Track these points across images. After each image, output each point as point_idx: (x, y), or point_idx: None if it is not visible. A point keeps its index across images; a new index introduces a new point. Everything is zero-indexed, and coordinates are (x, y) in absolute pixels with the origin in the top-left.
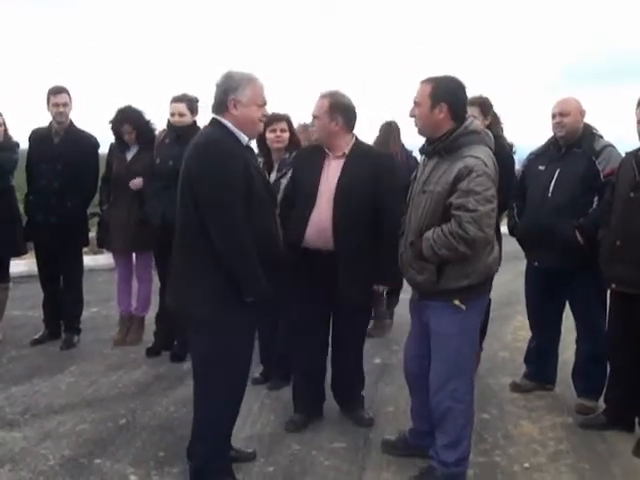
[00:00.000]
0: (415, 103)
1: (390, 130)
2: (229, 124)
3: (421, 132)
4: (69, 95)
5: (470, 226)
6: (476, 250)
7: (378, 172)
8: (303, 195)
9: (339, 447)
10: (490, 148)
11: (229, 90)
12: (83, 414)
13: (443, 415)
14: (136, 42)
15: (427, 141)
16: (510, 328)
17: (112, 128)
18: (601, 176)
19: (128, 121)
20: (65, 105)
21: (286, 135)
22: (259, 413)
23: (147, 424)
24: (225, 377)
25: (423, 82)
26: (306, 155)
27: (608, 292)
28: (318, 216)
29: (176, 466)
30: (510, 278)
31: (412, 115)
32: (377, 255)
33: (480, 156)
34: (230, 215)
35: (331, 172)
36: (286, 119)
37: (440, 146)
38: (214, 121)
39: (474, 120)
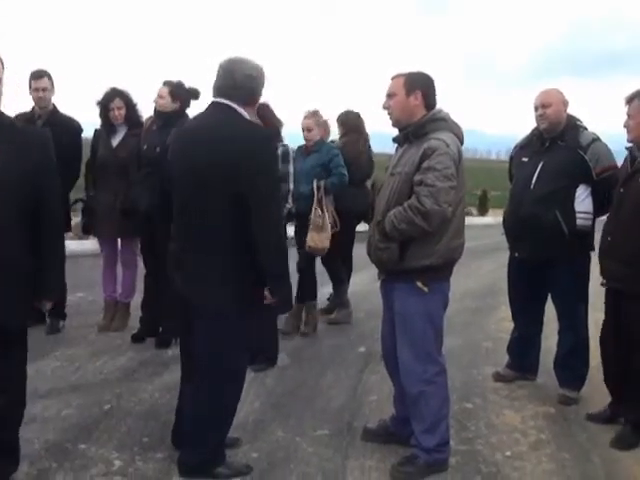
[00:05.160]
0: (389, 95)
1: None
2: (247, 115)
3: (396, 121)
4: (50, 79)
5: (427, 199)
6: (433, 224)
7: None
8: None
9: (323, 434)
10: (456, 134)
11: (261, 86)
12: (68, 399)
13: (416, 399)
14: (124, 29)
15: (399, 130)
16: (494, 319)
17: (101, 106)
18: (593, 174)
19: (120, 95)
20: (45, 90)
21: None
22: (244, 400)
23: (132, 410)
24: (240, 363)
25: (395, 77)
26: None
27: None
28: None
29: (160, 452)
30: (493, 269)
31: (386, 107)
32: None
33: (443, 138)
34: (279, 213)
35: None
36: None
37: (409, 130)
38: (232, 110)
39: (442, 110)
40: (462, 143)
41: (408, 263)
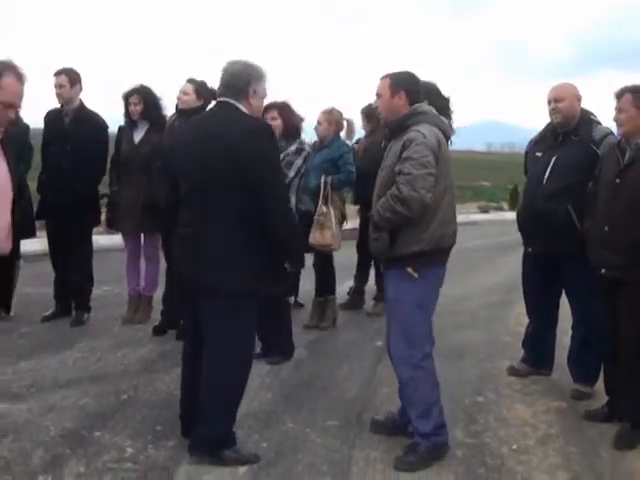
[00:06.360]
0: (377, 95)
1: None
2: (245, 110)
3: (385, 119)
4: (69, 77)
5: (404, 187)
6: (413, 209)
7: None
8: None
9: (332, 425)
10: (438, 127)
11: (252, 80)
12: (87, 389)
13: (406, 384)
14: (152, 29)
15: (387, 128)
16: (515, 313)
17: (124, 100)
18: None
19: (137, 92)
20: (62, 87)
21: (277, 123)
22: (258, 391)
23: (148, 400)
24: (248, 345)
25: (382, 77)
26: None
27: None
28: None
29: (172, 440)
30: (517, 264)
31: (375, 106)
32: None
33: (421, 130)
34: (287, 195)
35: None
36: (277, 107)
37: (392, 126)
38: (232, 105)
39: (424, 104)
40: (448, 136)
41: (399, 250)
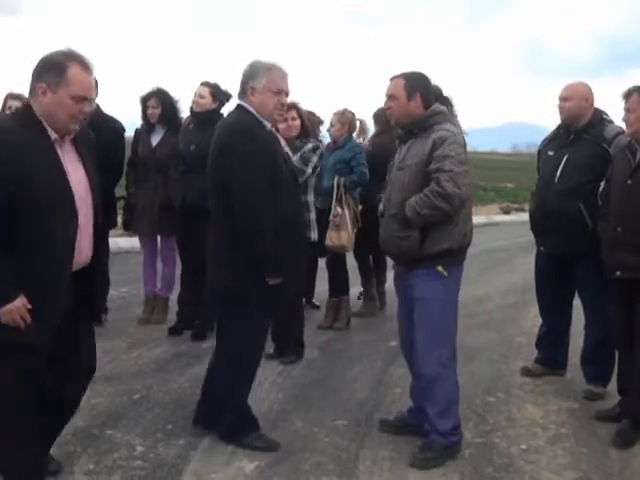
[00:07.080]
0: (390, 97)
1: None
2: (251, 109)
3: (397, 122)
4: None
5: (447, 184)
6: (454, 205)
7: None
8: (47, 202)
9: (341, 424)
10: (454, 125)
11: (248, 77)
12: (100, 388)
13: (432, 381)
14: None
15: (402, 129)
16: (531, 314)
17: (141, 104)
18: None
19: (156, 95)
20: None
21: (297, 123)
22: (269, 390)
23: (161, 399)
24: (253, 347)
25: (394, 78)
26: (21, 140)
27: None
28: (81, 232)
29: (182, 438)
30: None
31: (387, 108)
32: None
33: (449, 128)
34: (256, 196)
35: (71, 165)
36: (294, 107)
37: (414, 125)
38: (238, 106)
39: (439, 105)
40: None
41: (429, 248)
